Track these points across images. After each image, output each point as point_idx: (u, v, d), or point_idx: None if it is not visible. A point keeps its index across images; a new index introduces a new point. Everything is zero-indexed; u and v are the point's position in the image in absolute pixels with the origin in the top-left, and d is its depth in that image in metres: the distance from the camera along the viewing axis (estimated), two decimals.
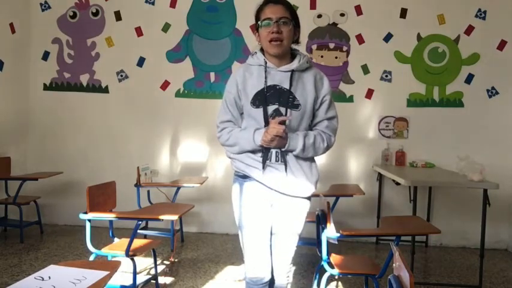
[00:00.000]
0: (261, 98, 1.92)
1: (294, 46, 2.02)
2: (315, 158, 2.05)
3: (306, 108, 1.94)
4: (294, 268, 2.13)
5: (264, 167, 1.93)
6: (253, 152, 1.95)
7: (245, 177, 1.99)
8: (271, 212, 1.99)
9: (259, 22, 1.94)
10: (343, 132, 4.47)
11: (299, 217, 2.01)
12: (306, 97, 1.94)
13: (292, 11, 1.95)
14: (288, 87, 1.92)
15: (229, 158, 2.07)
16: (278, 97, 1.91)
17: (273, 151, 1.92)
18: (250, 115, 1.96)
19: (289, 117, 1.89)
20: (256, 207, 1.97)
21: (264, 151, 1.92)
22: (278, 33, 1.88)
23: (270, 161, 1.93)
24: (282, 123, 1.85)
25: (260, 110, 1.91)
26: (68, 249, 3.97)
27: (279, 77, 1.94)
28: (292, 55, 2.00)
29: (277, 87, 1.93)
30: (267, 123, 1.90)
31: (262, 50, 2.00)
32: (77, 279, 1.56)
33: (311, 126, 2.01)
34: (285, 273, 2.06)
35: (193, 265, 3.66)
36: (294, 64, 1.94)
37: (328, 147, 2.00)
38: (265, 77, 1.93)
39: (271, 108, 1.91)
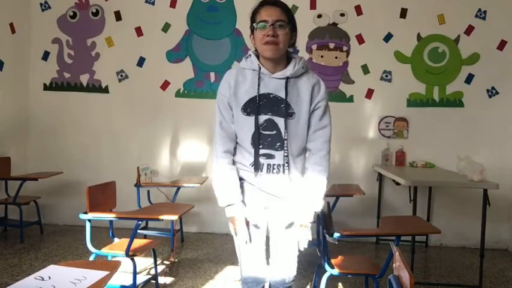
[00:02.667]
0: (253, 106, 1.84)
1: (290, 50, 1.93)
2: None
3: (301, 116, 1.87)
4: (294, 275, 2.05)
5: (256, 176, 1.88)
6: (243, 161, 1.91)
7: (240, 179, 1.94)
8: (266, 214, 1.95)
9: (254, 24, 1.86)
10: (343, 132, 4.52)
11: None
12: (301, 105, 1.87)
13: (289, 14, 1.86)
14: (283, 96, 1.84)
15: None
16: (271, 106, 1.84)
17: (264, 163, 1.86)
18: (240, 122, 1.88)
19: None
20: (251, 209, 1.93)
21: (254, 164, 1.87)
22: (274, 36, 1.80)
23: (261, 171, 1.87)
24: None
25: (251, 119, 1.84)
26: (68, 249, 3.97)
27: (273, 84, 1.86)
28: (288, 58, 1.92)
29: (271, 95, 1.85)
30: (257, 133, 1.85)
31: (257, 52, 1.91)
32: (77, 279, 1.56)
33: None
34: (286, 281, 1.96)
35: (193, 265, 3.66)
36: (289, 71, 1.86)
37: (327, 177, 1.92)
38: (259, 84, 1.85)
39: (262, 118, 1.85)
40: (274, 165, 1.86)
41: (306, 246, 1.87)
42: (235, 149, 1.95)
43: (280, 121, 1.85)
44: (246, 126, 1.87)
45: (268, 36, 1.81)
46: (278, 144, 1.85)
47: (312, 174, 1.89)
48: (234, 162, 1.93)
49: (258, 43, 1.86)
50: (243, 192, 1.94)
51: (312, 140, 1.91)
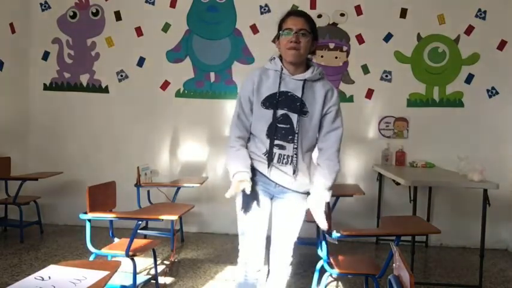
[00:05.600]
0: (272, 101, 2.05)
1: (309, 56, 2.15)
2: (314, 159, 2.17)
3: (314, 115, 2.07)
4: (291, 267, 2.16)
5: (269, 166, 2.05)
6: (257, 151, 2.08)
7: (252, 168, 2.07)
8: (270, 204, 2.12)
9: (280, 32, 2.08)
10: (343, 132, 4.48)
11: (298, 210, 2.13)
12: (315, 106, 2.07)
13: (312, 24, 2.08)
14: (299, 95, 2.05)
15: None
16: (288, 103, 2.05)
17: (276, 152, 2.03)
18: (259, 115, 2.08)
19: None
20: (257, 197, 2.07)
21: (268, 152, 2.04)
22: (296, 43, 2.02)
23: (273, 161, 2.04)
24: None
25: (269, 112, 2.04)
26: (68, 249, 3.97)
27: (293, 84, 2.07)
28: (308, 65, 2.13)
29: (289, 93, 2.06)
30: (274, 125, 2.04)
31: (280, 57, 2.12)
32: (77, 279, 1.57)
33: (318, 135, 2.13)
34: (287, 262, 2.14)
35: (193, 265, 3.66)
36: (307, 74, 2.08)
37: (338, 170, 2.11)
38: (280, 83, 2.06)
39: (279, 112, 2.05)
40: (284, 155, 2.04)
41: (325, 227, 2.00)
42: (249, 139, 2.13)
43: (294, 116, 2.05)
44: (263, 118, 2.06)
45: (291, 43, 2.03)
46: (290, 137, 2.04)
47: (324, 166, 2.08)
48: (246, 147, 2.11)
49: (283, 48, 2.08)
50: (253, 180, 2.06)
51: (323, 140, 2.12)
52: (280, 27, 2.11)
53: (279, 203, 2.12)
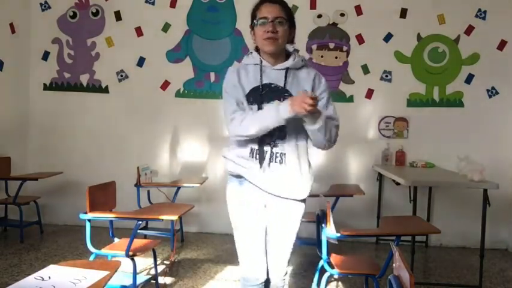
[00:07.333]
0: (256, 96, 1.91)
1: (288, 46, 2.00)
2: (310, 160, 2.03)
3: None
4: (290, 269, 2.12)
5: (261, 167, 1.89)
6: (245, 152, 1.92)
7: (239, 177, 1.96)
8: (265, 213, 1.97)
9: (255, 21, 1.93)
10: (343, 132, 4.42)
11: (293, 219, 1.99)
12: None
13: (288, 10, 1.94)
14: (282, 85, 1.92)
15: (224, 157, 2.02)
16: (273, 95, 1.90)
17: (268, 151, 1.89)
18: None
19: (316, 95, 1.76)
20: (251, 208, 1.96)
21: (259, 152, 1.89)
22: (273, 32, 1.88)
23: (264, 161, 1.89)
24: (314, 99, 1.71)
25: (254, 108, 1.90)
26: (68, 249, 3.97)
27: (274, 75, 1.94)
28: (288, 55, 1.99)
29: (272, 85, 1.92)
30: None
31: (257, 50, 2.00)
32: (77, 279, 1.56)
33: None
34: (281, 275, 2.02)
35: (193, 265, 3.66)
36: (289, 62, 1.94)
37: (337, 132, 1.95)
38: (261, 76, 1.93)
39: (265, 107, 1.89)
40: (277, 153, 1.90)
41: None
42: (235, 142, 1.96)
43: None
44: None
45: (268, 33, 1.88)
46: (278, 132, 1.88)
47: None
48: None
49: (259, 39, 1.93)
50: (241, 191, 1.96)
51: None
52: (254, 16, 1.94)
53: (272, 212, 1.96)
